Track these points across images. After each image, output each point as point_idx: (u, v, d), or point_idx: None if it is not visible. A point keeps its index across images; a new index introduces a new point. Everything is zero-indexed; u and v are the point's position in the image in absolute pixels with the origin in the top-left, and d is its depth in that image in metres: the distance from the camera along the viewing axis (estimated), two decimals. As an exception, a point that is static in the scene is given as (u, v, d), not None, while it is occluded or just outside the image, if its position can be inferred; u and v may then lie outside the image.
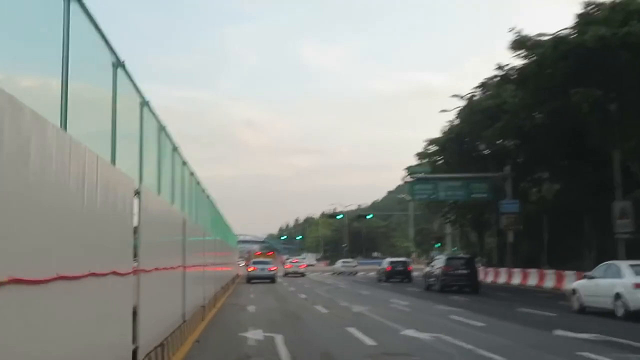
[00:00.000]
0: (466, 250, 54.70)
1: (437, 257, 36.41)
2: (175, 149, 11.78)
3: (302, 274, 50.60)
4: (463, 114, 38.51)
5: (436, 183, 40.87)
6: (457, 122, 42.10)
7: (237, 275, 46.30)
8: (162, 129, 10.08)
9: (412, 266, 44.17)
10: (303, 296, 25.42)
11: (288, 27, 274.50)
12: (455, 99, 39.48)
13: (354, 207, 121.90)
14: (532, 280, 32.97)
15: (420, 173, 42.01)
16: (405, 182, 49.68)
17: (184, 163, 13.46)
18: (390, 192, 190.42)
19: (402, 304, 21.19)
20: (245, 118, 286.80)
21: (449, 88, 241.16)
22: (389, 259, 44.60)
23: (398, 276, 40.03)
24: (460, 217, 50.61)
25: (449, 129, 43.39)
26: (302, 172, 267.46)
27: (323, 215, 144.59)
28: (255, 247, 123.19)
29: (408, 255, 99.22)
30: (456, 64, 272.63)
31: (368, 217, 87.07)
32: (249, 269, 40.40)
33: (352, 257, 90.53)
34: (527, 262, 37.24)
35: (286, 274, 50.00)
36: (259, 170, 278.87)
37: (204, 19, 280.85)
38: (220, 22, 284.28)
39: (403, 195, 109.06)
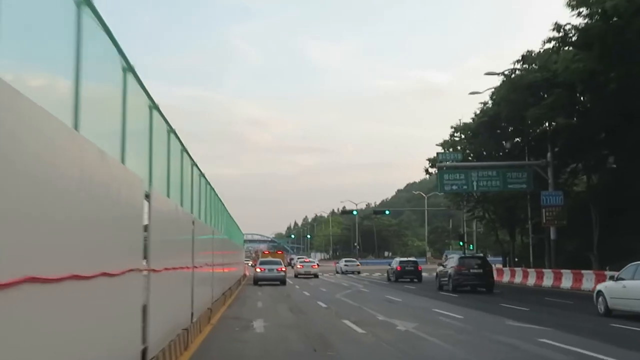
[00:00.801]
0: (496, 250, 49.97)
1: (451, 256, 36.30)
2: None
3: (315, 275, 45.86)
4: (501, 92, 33.48)
5: (468, 172, 36.16)
6: (490, 104, 37.42)
7: (244, 276, 42.54)
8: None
9: (422, 266, 42.77)
10: (323, 305, 20.33)
11: (292, 25, 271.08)
12: (489, 77, 34.65)
13: (363, 206, 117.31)
14: (588, 284, 28.29)
15: (450, 161, 37.00)
16: (429, 173, 45.29)
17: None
18: (399, 191, 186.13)
19: (454, 316, 16.29)
20: (250, 116, 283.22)
21: (453, 86, 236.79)
22: (398, 259, 43.79)
23: (408, 276, 39.12)
24: (489, 213, 45.68)
25: (482, 112, 38.60)
26: (307, 171, 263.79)
27: (334, 213, 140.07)
28: (263, 246, 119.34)
29: (422, 254, 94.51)
30: (460, 62, 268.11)
31: (386, 213, 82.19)
32: (257, 270, 36.29)
33: (361, 257, 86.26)
34: (569, 262, 32.55)
35: (297, 275, 45.56)
36: (264, 168, 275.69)
37: (208, 18, 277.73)
38: (225, 21, 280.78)
39: (417, 192, 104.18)
